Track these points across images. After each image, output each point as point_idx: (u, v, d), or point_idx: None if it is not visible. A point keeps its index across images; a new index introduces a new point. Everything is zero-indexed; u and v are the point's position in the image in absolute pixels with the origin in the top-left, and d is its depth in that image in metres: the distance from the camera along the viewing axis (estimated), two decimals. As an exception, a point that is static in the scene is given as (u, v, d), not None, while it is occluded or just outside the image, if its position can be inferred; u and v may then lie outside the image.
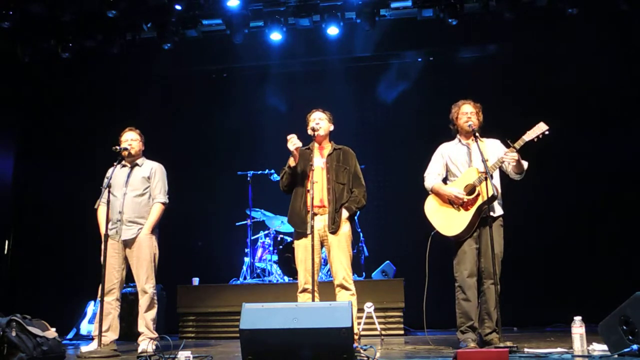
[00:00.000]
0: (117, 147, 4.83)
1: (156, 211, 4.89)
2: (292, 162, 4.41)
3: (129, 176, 4.92)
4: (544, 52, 7.39)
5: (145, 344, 4.65)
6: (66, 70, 7.85)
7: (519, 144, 4.20)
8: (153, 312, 4.79)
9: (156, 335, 4.74)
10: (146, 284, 4.77)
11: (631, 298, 3.49)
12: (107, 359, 4.31)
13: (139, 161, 5.00)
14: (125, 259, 4.84)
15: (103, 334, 4.56)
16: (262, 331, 3.29)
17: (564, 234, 6.94)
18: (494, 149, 4.44)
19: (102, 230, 4.77)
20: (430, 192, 4.52)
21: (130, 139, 4.96)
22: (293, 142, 4.34)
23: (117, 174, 4.89)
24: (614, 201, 6.92)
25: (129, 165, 4.97)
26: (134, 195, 4.85)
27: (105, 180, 4.79)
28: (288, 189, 4.56)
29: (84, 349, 4.58)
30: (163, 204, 4.94)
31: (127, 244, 4.81)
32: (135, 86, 8.01)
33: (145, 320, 4.75)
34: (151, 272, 4.81)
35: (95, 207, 4.88)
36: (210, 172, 7.95)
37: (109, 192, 4.64)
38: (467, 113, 4.47)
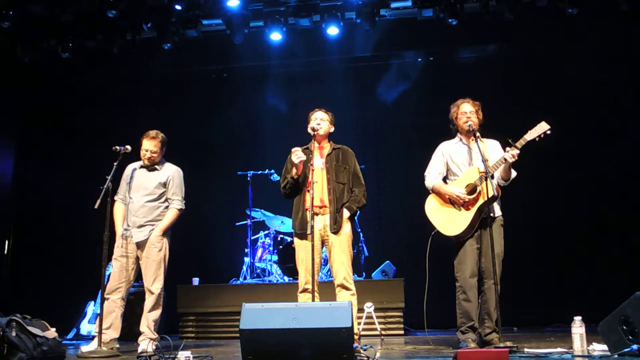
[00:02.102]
0: (117, 147, 4.82)
1: (171, 216, 4.90)
2: (294, 173, 4.42)
3: (146, 180, 4.92)
4: (544, 52, 7.39)
5: (145, 344, 4.65)
6: (66, 70, 7.85)
7: (520, 143, 4.18)
8: (156, 313, 4.79)
9: (157, 336, 4.74)
10: (153, 285, 4.77)
11: (631, 298, 3.49)
12: (107, 358, 4.31)
13: (157, 166, 4.99)
14: (137, 260, 4.84)
15: (104, 331, 4.57)
16: (262, 331, 3.29)
17: (564, 233, 6.94)
18: (493, 150, 4.44)
19: (118, 228, 4.83)
20: (430, 191, 4.52)
21: (150, 151, 4.90)
22: (297, 155, 4.36)
23: (136, 175, 4.90)
24: (614, 201, 6.92)
25: (147, 169, 4.97)
26: (147, 200, 4.86)
27: (127, 178, 4.83)
28: (290, 196, 4.57)
29: (84, 348, 4.58)
30: (179, 210, 4.94)
31: (140, 245, 4.82)
32: (135, 86, 8.00)
33: (148, 320, 4.75)
34: (160, 274, 4.81)
35: (116, 202, 4.91)
36: (210, 172, 7.95)
37: (129, 190, 4.67)
38: (466, 112, 4.46)
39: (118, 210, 4.93)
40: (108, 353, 4.39)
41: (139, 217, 4.82)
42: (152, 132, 4.96)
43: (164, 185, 4.92)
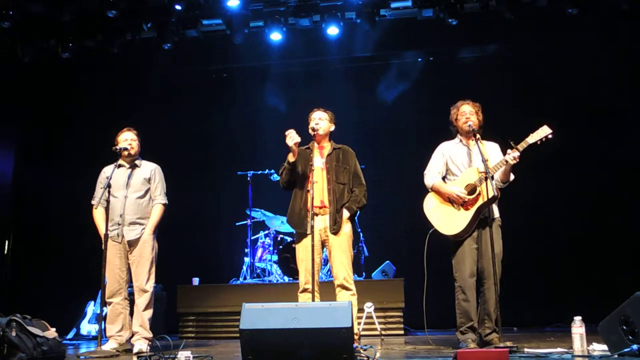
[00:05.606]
0: (117, 148, 4.83)
1: (158, 212, 4.90)
2: (291, 157, 4.41)
3: (129, 177, 4.90)
4: (544, 52, 7.39)
5: (141, 344, 4.64)
6: (66, 70, 7.85)
7: (522, 145, 4.17)
8: (150, 312, 4.78)
9: (151, 335, 4.72)
10: (147, 283, 4.76)
11: (631, 298, 3.49)
12: (107, 358, 4.31)
13: (137, 162, 5.00)
14: (127, 258, 4.83)
15: (117, 333, 4.67)
16: (262, 331, 3.29)
17: (564, 233, 6.94)
18: (493, 152, 4.44)
19: (102, 231, 4.75)
20: (430, 190, 4.52)
21: (130, 139, 4.94)
22: (291, 137, 4.34)
23: (116, 174, 4.88)
24: (614, 201, 6.93)
25: (127, 166, 4.95)
26: (136, 197, 4.85)
27: (105, 180, 4.78)
28: (288, 186, 4.54)
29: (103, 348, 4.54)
30: (164, 205, 4.95)
31: (131, 244, 4.79)
32: (135, 86, 8.00)
33: (142, 319, 4.72)
34: (152, 272, 4.81)
35: (95, 207, 4.88)
36: (210, 172, 7.95)
37: (109, 192, 4.64)
38: (466, 113, 4.46)
39: (98, 214, 4.87)
40: (108, 353, 4.39)
41: (130, 214, 4.78)
42: (127, 127, 5.03)
43: (148, 181, 4.93)
